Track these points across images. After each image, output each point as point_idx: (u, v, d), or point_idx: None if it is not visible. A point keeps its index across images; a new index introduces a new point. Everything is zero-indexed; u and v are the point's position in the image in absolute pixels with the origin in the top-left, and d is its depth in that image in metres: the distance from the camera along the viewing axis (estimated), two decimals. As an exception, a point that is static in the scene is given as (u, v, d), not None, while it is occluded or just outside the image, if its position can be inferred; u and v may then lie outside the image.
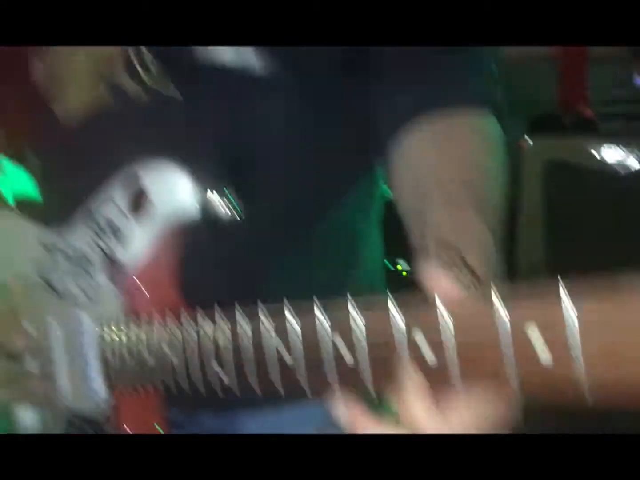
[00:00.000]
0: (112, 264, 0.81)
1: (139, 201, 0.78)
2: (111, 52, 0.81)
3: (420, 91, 0.78)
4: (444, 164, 0.75)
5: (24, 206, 0.96)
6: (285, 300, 0.60)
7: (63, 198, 0.88)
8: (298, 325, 0.59)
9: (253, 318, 0.64)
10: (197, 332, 0.70)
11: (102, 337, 0.82)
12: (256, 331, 0.64)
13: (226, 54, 0.79)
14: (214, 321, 0.68)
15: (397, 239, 0.94)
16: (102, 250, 0.82)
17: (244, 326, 0.65)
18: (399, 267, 2.70)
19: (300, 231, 0.86)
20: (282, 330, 0.61)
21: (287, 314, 0.60)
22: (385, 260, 1.08)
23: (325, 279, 0.87)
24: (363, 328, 0.55)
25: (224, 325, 0.67)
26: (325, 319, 0.57)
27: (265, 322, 0.62)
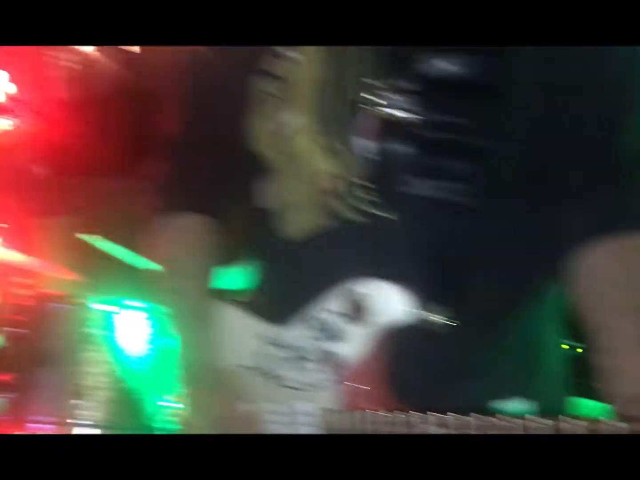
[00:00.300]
0: (329, 359, 0.94)
1: (355, 308, 0.91)
2: (330, 185, 0.97)
3: (603, 211, 0.88)
4: (627, 279, 0.84)
5: (246, 304, 1.11)
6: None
7: (283, 301, 1.02)
8: (520, 424, 0.68)
9: (461, 414, 0.74)
10: (408, 425, 0.80)
11: (319, 425, 0.94)
12: (464, 426, 0.73)
13: (426, 185, 0.93)
14: (423, 415, 0.78)
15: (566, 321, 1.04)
16: (320, 347, 0.95)
17: (453, 423, 0.74)
18: (565, 346, 2.69)
19: (494, 334, 0.96)
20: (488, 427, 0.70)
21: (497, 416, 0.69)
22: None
23: (517, 376, 0.97)
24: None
25: (433, 420, 0.77)
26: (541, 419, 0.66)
27: (473, 419, 0.72)
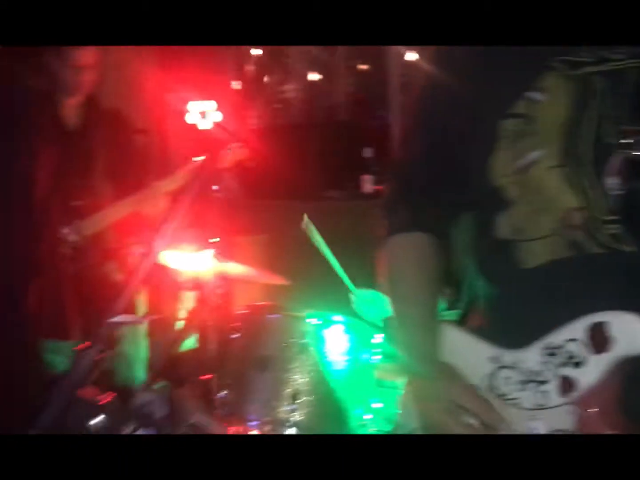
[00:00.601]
0: (566, 384, 1.03)
1: (597, 338, 1.00)
2: (575, 219, 1.05)
3: None
4: None
5: (477, 327, 1.20)
6: None
7: (519, 326, 1.10)
8: None
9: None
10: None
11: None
12: None
13: None
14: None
15: None
16: (557, 372, 1.04)
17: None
18: None
19: None
20: None
21: None
22: None
23: None
24: None
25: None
26: None
27: None
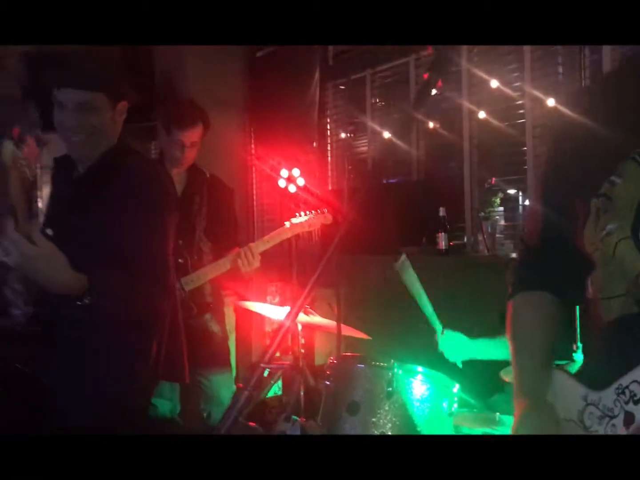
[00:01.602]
0: (628, 417, 1.22)
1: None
2: None
3: None
4: None
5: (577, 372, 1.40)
6: None
7: (600, 370, 1.30)
8: None
9: None
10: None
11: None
12: None
13: None
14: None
15: None
16: (623, 408, 1.23)
17: None
18: None
19: None
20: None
21: None
22: None
23: None
24: None
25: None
26: None
27: None
